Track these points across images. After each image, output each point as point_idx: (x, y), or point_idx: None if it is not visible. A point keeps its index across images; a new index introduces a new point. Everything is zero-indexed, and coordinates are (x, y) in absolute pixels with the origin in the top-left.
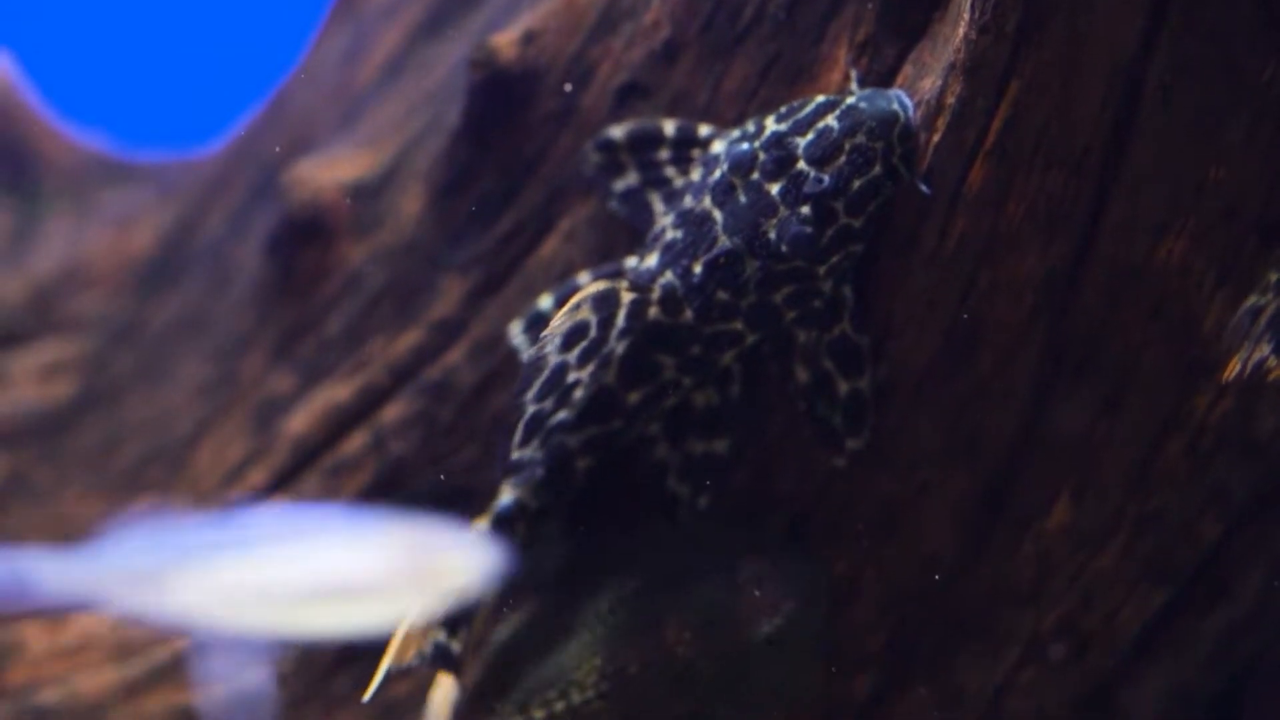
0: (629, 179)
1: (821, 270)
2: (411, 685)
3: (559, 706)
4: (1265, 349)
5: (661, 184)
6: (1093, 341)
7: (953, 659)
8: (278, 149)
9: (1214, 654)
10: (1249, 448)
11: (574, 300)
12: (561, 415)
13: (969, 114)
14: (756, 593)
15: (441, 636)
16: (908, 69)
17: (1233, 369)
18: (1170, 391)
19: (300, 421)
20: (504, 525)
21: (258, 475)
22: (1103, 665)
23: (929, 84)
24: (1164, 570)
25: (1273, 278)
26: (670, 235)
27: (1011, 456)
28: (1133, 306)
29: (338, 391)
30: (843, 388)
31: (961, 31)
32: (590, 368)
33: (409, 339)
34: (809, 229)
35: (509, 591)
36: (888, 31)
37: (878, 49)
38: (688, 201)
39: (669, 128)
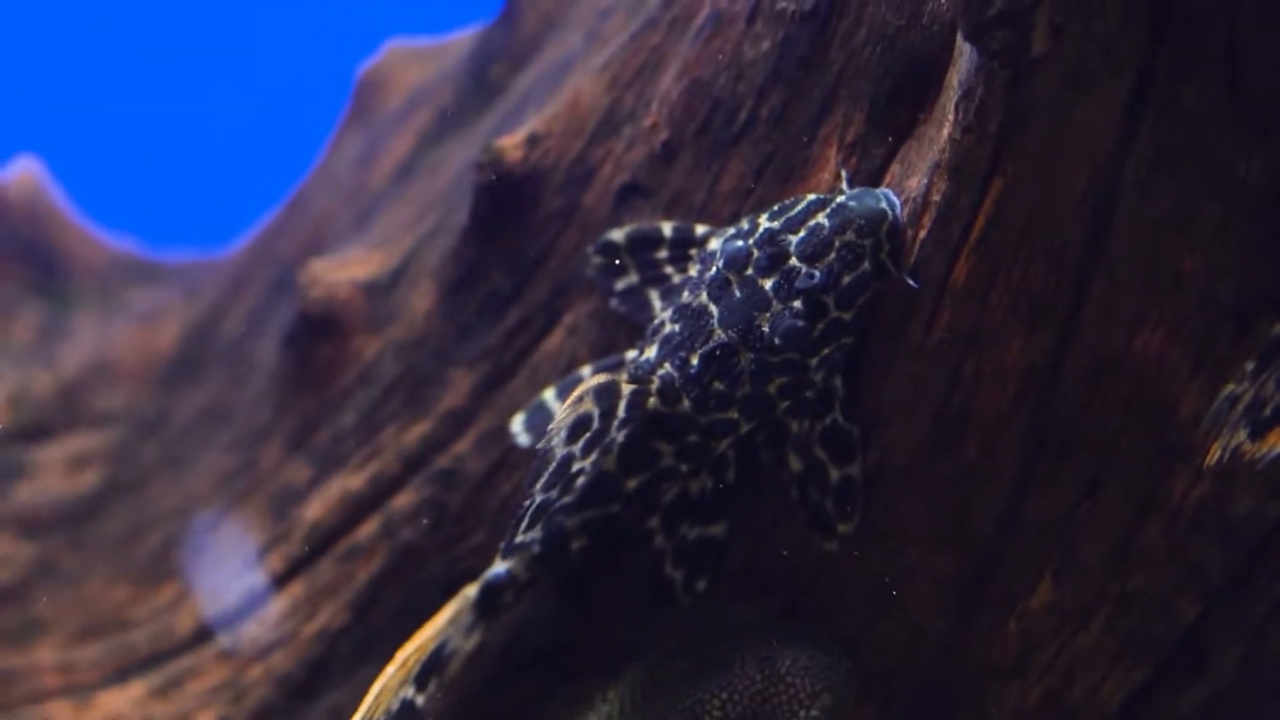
0: (629, 278)
1: (813, 362)
2: None
3: None
4: (1242, 434)
5: (661, 281)
6: (1073, 427)
7: None
8: (295, 249)
9: None
10: (1225, 529)
11: (576, 393)
12: (564, 500)
13: (954, 211)
14: (797, 684)
15: (410, 692)
16: (895, 168)
17: (1214, 455)
18: (1148, 475)
19: (315, 509)
20: (492, 593)
21: (275, 561)
22: None
23: (915, 182)
24: (1144, 647)
25: (1249, 366)
26: (669, 329)
27: (996, 537)
28: (1112, 393)
29: (351, 480)
30: (834, 475)
31: (946, 132)
32: (593, 456)
33: (420, 429)
34: (801, 322)
35: (486, 652)
36: (876, 132)
37: (866, 149)
38: (685, 296)
39: (667, 229)
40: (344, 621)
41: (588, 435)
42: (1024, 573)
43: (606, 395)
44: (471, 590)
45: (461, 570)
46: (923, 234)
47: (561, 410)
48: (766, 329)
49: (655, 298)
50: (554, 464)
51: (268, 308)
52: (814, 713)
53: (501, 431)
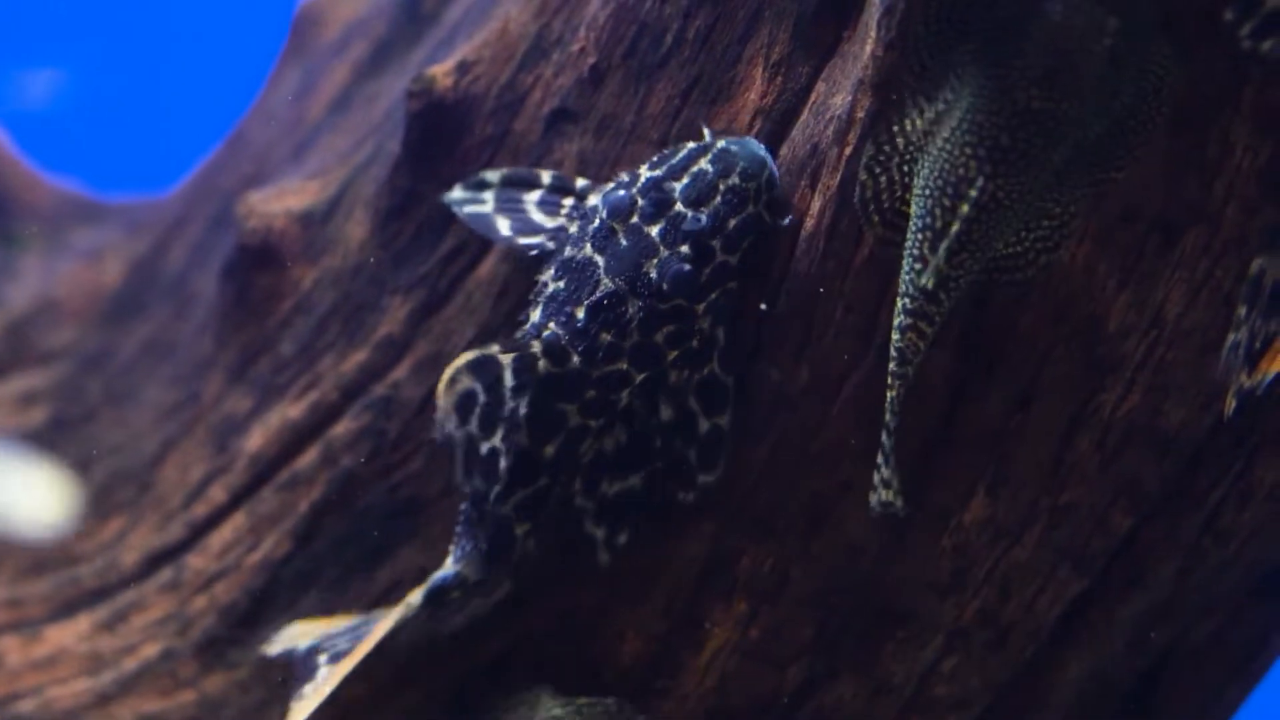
0: (482, 206)
1: (700, 308)
2: None
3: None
4: (1244, 375)
5: (516, 213)
6: (1003, 341)
7: (879, 649)
8: (235, 184)
9: (1131, 640)
10: (1157, 442)
11: (447, 375)
12: (494, 489)
13: None
14: (1078, 22)
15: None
16: (820, 86)
17: (1229, 405)
18: (1078, 388)
19: (257, 439)
20: (439, 595)
21: (218, 492)
22: (1023, 652)
23: (840, 99)
24: (1080, 560)
25: (1241, 312)
26: (552, 287)
27: (929, 453)
28: (1040, 306)
29: (291, 409)
30: (704, 425)
31: (869, 49)
32: (500, 433)
33: (357, 357)
34: (688, 267)
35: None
36: (801, 51)
37: (791, 68)
38: (567, 251)
39: (546, 176)
40: (286, 550)
41: (478, 410)
42: (957, 487)
43: (484, 368)
44: (415, 597)
45: (401, 497)
46: (848, 151)
47: (441, 399)
48: (654, 275)
49: (503, 222)
50: (461, 449)
51: (209, 242)
52: (1107, 40)
53: (437, 359)
